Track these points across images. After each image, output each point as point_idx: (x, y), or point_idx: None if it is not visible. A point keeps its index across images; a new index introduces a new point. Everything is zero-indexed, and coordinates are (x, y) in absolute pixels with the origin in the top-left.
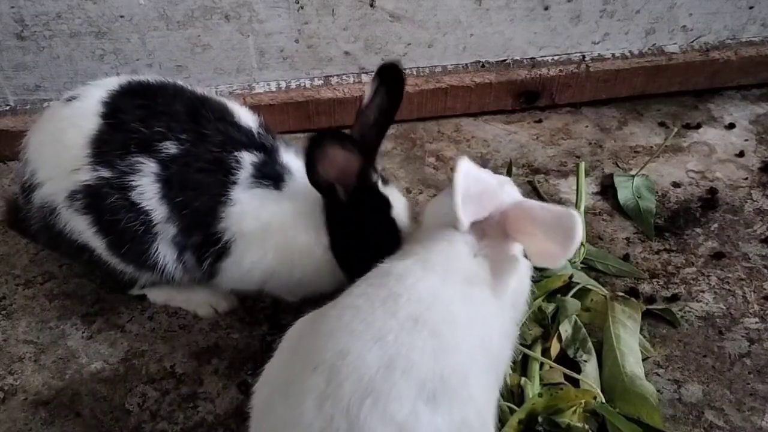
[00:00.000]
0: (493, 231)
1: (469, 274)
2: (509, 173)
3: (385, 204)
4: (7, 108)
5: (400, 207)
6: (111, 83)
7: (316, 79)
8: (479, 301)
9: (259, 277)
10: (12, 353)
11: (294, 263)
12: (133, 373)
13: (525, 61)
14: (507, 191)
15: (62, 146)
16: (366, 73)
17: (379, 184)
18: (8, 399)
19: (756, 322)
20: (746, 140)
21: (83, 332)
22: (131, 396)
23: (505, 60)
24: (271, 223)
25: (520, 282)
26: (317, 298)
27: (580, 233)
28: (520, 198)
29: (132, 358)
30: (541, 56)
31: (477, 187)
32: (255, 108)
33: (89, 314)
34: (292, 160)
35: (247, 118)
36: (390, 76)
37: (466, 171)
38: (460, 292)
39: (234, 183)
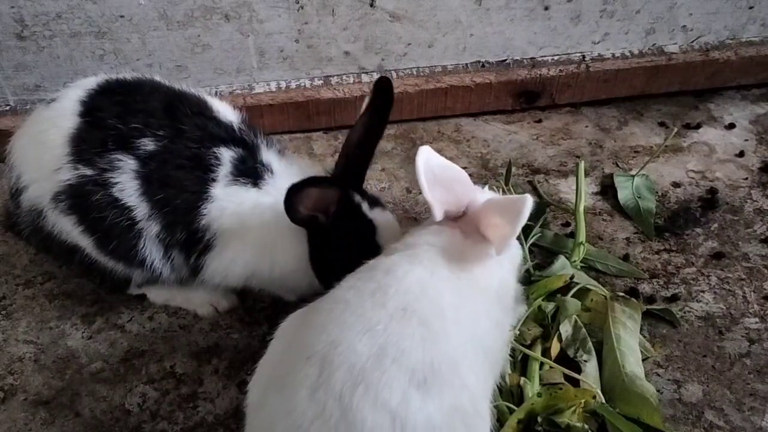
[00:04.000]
0: (470, 230)
1: (454, 268)
2: (509, 173)
3: (369, 227)
4: (7, 108)
5: (387, 229)
6: (89, 83)
7: (316, 79)
8: (466, 293)
9: (241, 272)
10: (12, 353)
11: (273, 262)
12: (133, 373)
13: (525, 61)
14: (481, 190)
15: (44, 147)
16: (366, 73)
17: (364, 207)
18: (8, 399)
19: (756, 322)
20: (746, 140)
21: (83, 332)
22: (131, 396)
23: (505, 60)
24: (250, 222)
25: (502, 277)
26: (315, 297)
27: (526, 213)
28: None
29: (132, 358)
30: (541, 56)
31: (445, 174)
32: (255, 108)
33: (89, 314)
34: (274, 159)
35: (227, 112)
36: (379, 91)
37: (427, 157)
38: (448, 285)
39: (213, 180)
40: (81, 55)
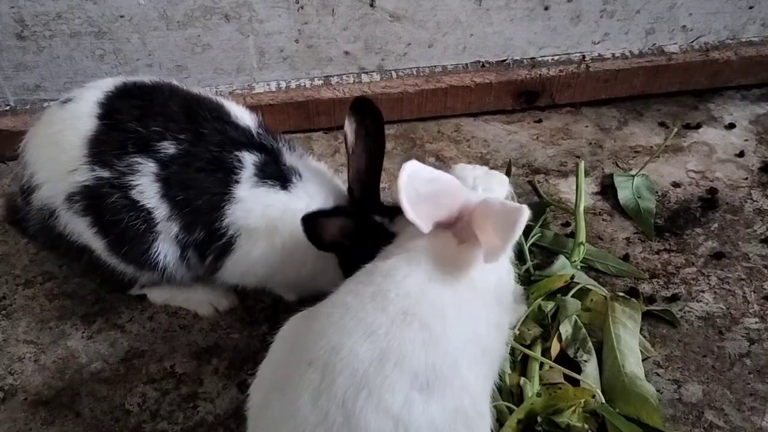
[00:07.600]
0: (467, 234)
1: (452, 270)
2: (509, 173)
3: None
4: (7, 108)
5: None
6: (106, 84)
7: (316, 79)
8: (465, 295)
9: (264, 273)
10: (12, 353)
11: (303, 262)
12: (133, 373)
13: (525, 61)
14: (477, 192)
15: (59, 148)
16: (366, 73)
17: (386, 223)
18: (8, 399)
19: (756, 322)
20: (746, 140)
21: (83, 332)
22: (131, 396)
23: (505, 60)
24: (279, 224)
25: (499, 278)
26: (315, 298)
27: (520, 229)
28: (489, 197)
29: (132, 358)
30: (541, 56)
31: (429, 188)
32: (255, 108)
33: (89, 314)
34: (299, 162)
35: (245, 117)
36: (364, 112)
37: (411, 173)
38: (446, 286)
39: (237, 182)
40: (81, 55)
